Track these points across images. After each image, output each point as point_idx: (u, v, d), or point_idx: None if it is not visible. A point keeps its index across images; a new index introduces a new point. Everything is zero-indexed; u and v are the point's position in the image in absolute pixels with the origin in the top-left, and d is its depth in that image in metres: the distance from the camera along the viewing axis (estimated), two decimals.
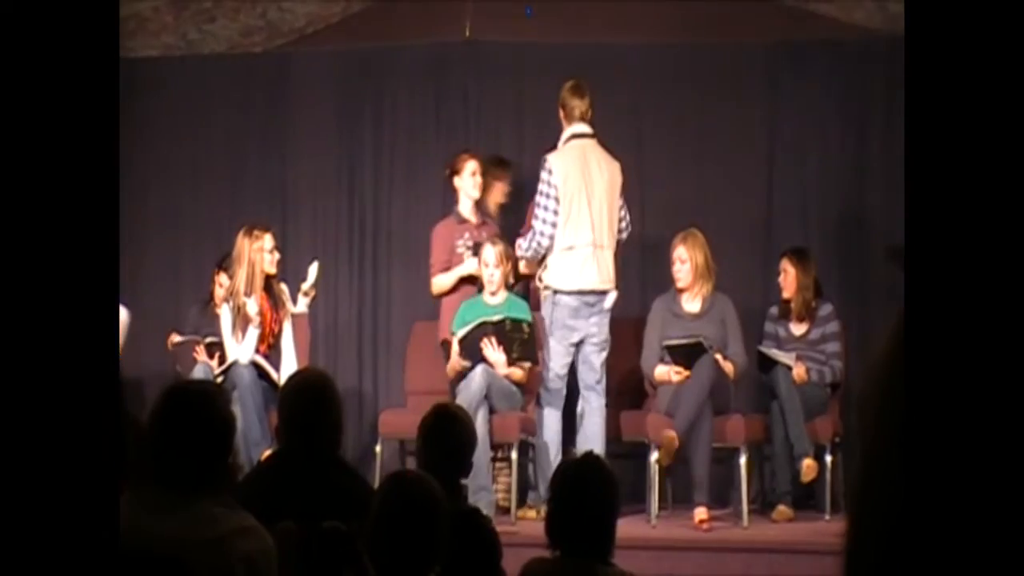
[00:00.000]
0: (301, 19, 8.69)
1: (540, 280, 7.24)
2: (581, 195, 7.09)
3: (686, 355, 7.10)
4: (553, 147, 7.24)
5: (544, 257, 7.21)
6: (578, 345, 7.24)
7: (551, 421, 7.29)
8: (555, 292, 7.17)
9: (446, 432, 4.43)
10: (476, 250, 7.45)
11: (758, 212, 8.14)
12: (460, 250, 7.55)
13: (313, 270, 7.66)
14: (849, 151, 8.14)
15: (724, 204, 8.06)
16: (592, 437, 7.17)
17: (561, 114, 7.17)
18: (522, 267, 7.47)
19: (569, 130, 7.14)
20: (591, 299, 7.19)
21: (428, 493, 3.66)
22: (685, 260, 7.24)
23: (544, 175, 7.10)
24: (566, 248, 7.11)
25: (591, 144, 7.17)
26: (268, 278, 7.43)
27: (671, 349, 7.16)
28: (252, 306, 7.30)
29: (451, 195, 7.71)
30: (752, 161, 8.14)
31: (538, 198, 7.14)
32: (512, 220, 7.82)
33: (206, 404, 3.07)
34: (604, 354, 7.27)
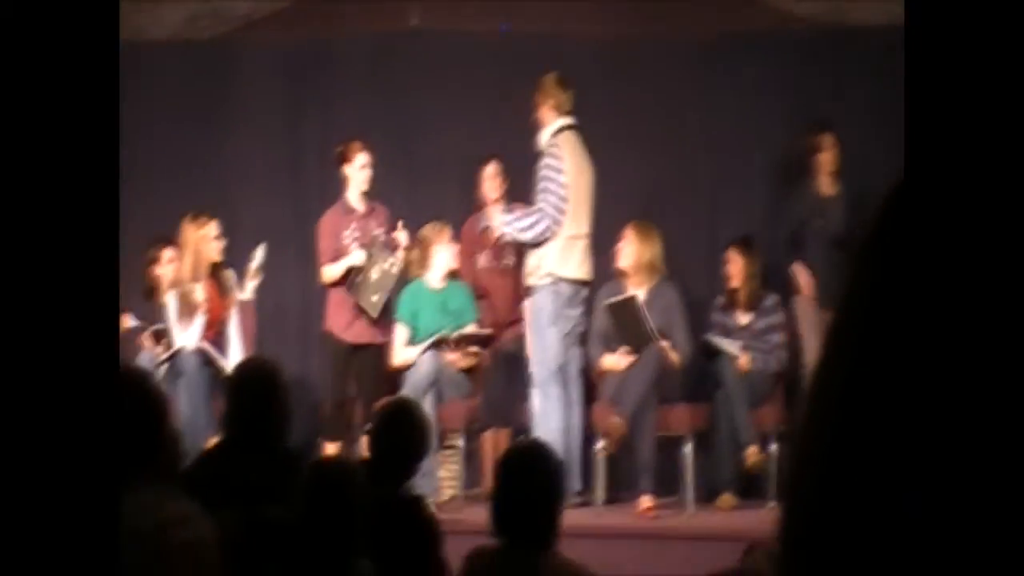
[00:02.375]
0: (246, 6, 8.62)
1: (538, 267, 6.95)
2: (582, 185, 6.98)
3: (624, 315, 7.02)
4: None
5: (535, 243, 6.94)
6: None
7: (557, 410, 6.93)
8: (557, 280, 6.94)
9: (402, 428, 4.42)
10: (362, 241, 7.40)
11: (702, 204, 8.15)
12: (346, 240, 7.48)
13: (260, 252, 7.60)
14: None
15: (668, 196, 8.06)
16: (576, 428, 7.08)
17: (548, 104, 6.95)
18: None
19: (559, 121, 6.94)
20: (583, 291, 7.08)
21: (346, 482, 3.64)
22: (634, 244, 7.23)
23: (552, 162, 6.85)
24: (571, 236, 6.91)
25: (577, 137, 7.05)
26: (214, 265, 7.39)
27: (610, 309, 7.09)
28: (199, 293, 7.26)
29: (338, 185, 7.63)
30: (695, 153, 8.13)
31: (546, 183, 6.85)
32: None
33: (131, 387, 3.01)
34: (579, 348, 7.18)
